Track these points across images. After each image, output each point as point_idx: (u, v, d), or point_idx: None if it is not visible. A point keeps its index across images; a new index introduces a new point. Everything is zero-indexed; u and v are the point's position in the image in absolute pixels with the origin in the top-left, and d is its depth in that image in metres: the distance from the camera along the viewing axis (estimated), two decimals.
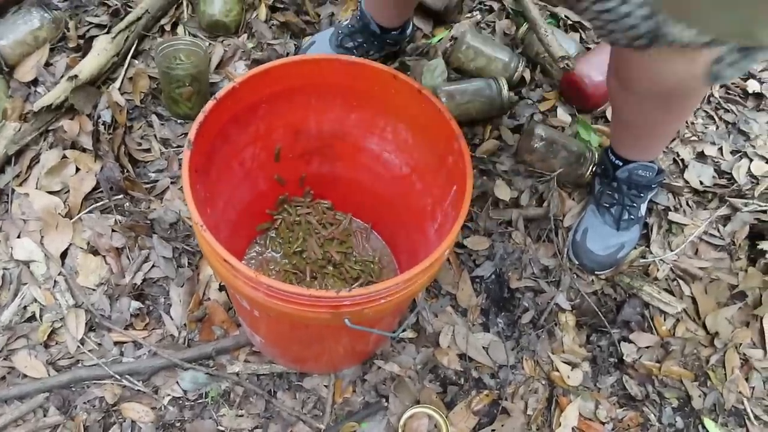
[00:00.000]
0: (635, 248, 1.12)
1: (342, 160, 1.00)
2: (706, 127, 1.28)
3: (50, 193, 1.10)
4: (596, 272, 1.11)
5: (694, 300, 1.09)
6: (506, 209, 1.14)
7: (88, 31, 1.26)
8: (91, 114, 1.16)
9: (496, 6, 1.38)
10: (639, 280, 1.10)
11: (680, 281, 1.11)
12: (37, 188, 1.10)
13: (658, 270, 1.11)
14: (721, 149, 1.25)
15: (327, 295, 0.67)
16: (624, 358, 1.04)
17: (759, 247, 1.11)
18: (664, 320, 1.07)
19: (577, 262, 1.11)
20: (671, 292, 1.09)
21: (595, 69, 1.21)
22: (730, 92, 1.34)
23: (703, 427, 1.01)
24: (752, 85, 1.35)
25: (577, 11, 0.68)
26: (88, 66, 1.17)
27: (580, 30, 1.37)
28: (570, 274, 1.10)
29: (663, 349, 1.05)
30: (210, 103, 0.80)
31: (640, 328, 1.07)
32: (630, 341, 1.06)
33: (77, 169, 1.12)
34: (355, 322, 0.71)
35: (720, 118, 1.30)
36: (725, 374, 1.04)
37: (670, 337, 1.06)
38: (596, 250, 1.09)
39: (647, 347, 1.05)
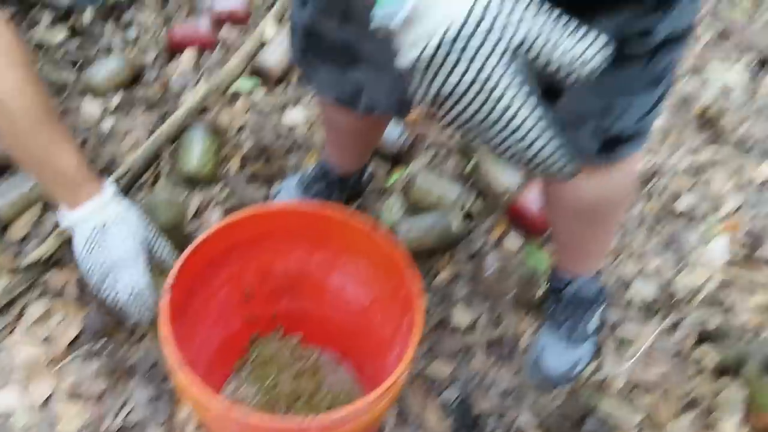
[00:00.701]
0: (591, 363, 1.19)
1: (308, 297, 1.09)
2: (645, 244, 1.40)
3: (35, 342, 1.16)
4: (555, 388, 1.16)
5: (650, 411, 1.14)
6: (466, 334, 1.21)
7: None
8: (77, 264, 1.25)
9: (445, 146, 1.54)
10: (597, 394, 1.15)
11: (636, 393, 1.16)
12: (22, 338, 1.16)
13: (613, 384, 1.17)
14: (661, 263, 1.36)
15: (291, 427, 0.73)
16: None
17: (706, 353, 1.18)
18: None
19: (537, 380, 1.16)
20: (628, 404, 1.14)
21: (537, 197, 1.34)
22: (664, 210, 1.48)
23: None
24: (683, 202, 1.49)
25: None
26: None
27: None
28: (532, 393, 1.15)
29: None
30: (188, 250, 0.89)
31: None
32: None
33: (62, 318, 1.19)
34: None
35: (657, 235, 1.42)
36: None
37: None
38: (554, 367, 1.15)
39: None
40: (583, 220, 1.02)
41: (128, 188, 1.37)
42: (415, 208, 1.37)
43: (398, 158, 1.47)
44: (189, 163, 1.39)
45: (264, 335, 1.13)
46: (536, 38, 0.47)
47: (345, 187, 1.33)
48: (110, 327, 1.17)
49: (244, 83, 1.60)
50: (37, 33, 1.69)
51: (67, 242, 1.24)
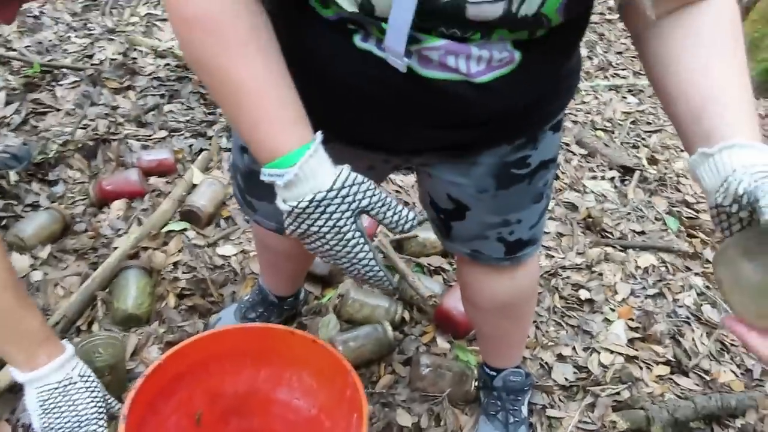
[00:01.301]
0: None
1: (257, 414, 1.12)
2: (558, 333, 1.56)
3: None
4: None
5: None
6: None
7: None
8: (9, 419, 1.21)
9: None
10: None
11: None
12: None
13: None
14: (574, 348, 1.51)
15: None
16: None
17: (617, 426, 1.30)
18: None
19: None
20: None
21: (459, 301, 1.47)
22: (569, 302, 1.66)
23: None
24: (583, 294, 1.68)
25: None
26: (7, 375, 1.26)
27: (441, 272, 1.68)
28: None
29: None
30: (139, 380, 0.93)
31: None
32: None
33: None
34: None
35: (567, 324, 1.59)
36: None
37: None
38: None
39: None
40: (500, 315, 1.16)
41: (64, 334, 1.38)
42: (349, 322, 1.47)
43: (329, 279, 1.58)
44: (125, 303, 1.43)
45: None
46: (376, 204, 0.70)
47: (282, 310, 1.41)
48: None
49: (175, 225, 1.69)
50: None
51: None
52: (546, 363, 1.46)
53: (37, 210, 1.72)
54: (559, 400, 1.38)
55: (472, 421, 1.31)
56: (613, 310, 1.65)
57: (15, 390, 1.26)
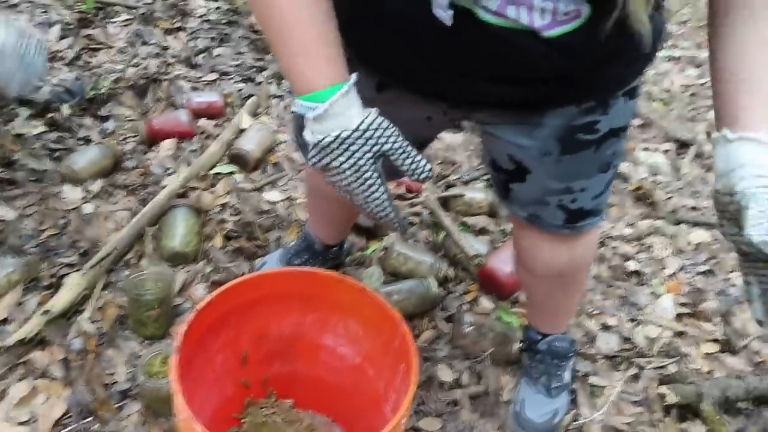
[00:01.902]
0: (568, 412, 1.26)
1: (301, 358, 1.13)
2: (603, 302, 1.52)
3: (19, 423, 1.13)
4: None
5: None
6: (451, 390, 1.27)
7: (59, 270, 1.40)
8: (61, 344, 1.25)
9: (416, 219, 1.66)
10: None
11: None
12: (6, 421, 1.13)
13: (590, 430, 1.24)
14: (620, 319, 1.48)
15: None
16: None
17: (666, 399, 1.28)
18: None
19: (520, 431, 1.22)
20: None
21: (504, 262, 1.46)
22: (616, 272, 1.62)
23: None
24: (631, 265, 1.64)
25: None
26: (60, 300, 1.29)
27: (487, 233, 1.65)
28: None
29: None
30: (191, 315, 0.94)
31: None
32: None
33: (47, 398, 1.17)
34: None
35: (613, 294, 1.55)
36: None
37: None
38: (534, 418, 1.22)
39: None
40: (553, 284, 1.13)
41: (114, 266, 1.40)
42: (393, 275, 1.46)
43: (374, 232, 1.57)
44: (173, 241, 1.44)
45: (257, 400, 1.15)
46: (396, 150, 0.72)
47: (326, 259, 1.41)
48: (96, 405, 1.17)
49: (223, 168, 1.69)
50: (15, 126, 1.75)
51: (50, 321, 1.25)
52: (590, 331, 1.43)
53: (88, 144, 1.74)
54: (602, 369, 1.36)
55: (512, 383, 1.30)
56: (661, 284, 1.60)
57: (67, 315, 1.29)
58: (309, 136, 0.70)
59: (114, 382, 1.22)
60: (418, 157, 0.73)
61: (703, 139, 2.22)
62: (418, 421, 1.20)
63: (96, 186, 1.61)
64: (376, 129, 0.70)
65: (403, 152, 0.72)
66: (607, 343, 1.41)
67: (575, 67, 0.76)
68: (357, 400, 1.10)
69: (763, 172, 0.63)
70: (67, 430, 1.13)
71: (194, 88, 2.02)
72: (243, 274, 1.43)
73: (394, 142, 0.71)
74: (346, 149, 0.69)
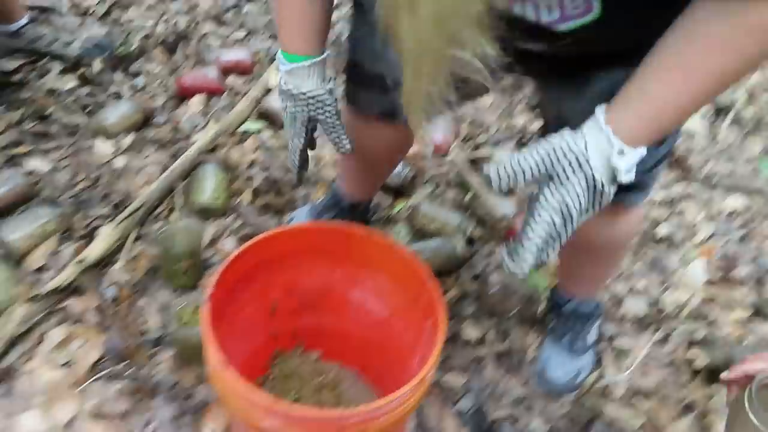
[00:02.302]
0: (592, 372, 1.26)
1: (329, 312, 1.15)
2: (632, 266, 1.51)
3: (56, 367, 1.17)
4: (562, 396, 1.22)
5: (651, 416, 1.21)
6: (476, 347, 1.28)
7: (92, 222, 1.43)
8: (96, 292, 1.28)
9: (444, 179, 1.65)
10: (600, 401, 1.22)
11: (636, 399, 1.24)
12: (43, 364, 1.18)
13: (615, 391, 1.24)
14: (648, 283, 1.46)
15: (334, 415, 0.78)
16: None
17: (695, 362, 1.27)
18: None
19: (544, 389, 1.23)
20: (630, 409, 1.21)
21: None
22: (647, 236, 1.60)
23: None
24: (662, 230, 1.61)
25: None
26: (94, 250, 1.32)
27: (514, 194, 1.63)
28: (541, 400, 1.21)
29: None
30: (222, 266, 0.95)
31: None
32: None
33: (82, 343, 1.21)
34: None
35: (642, 258, 1.53)
36: None
37: None
38: (557, 377, 1.22)
39: None
40: (589, 257, 1.10)
41: (145, 219, 1.43)
42: (420, 234, 1.46)
43: (400, 191, 1.56)
44: (202, 195, 1.46)
45: (285, 351, 1.17)
46: (326, 121, 0.95)
47: (354, 216, 1.41)
48: (131, 349, 1.20)
49: (252, 125, 1.70)
50: (48, 81, 1.77)
51: (85, 270, 1.28)
52: (618, 294, 1.42)
53: (119, 100, 1.75)
54: (629, 331, 1.35)
55: (537, 342, 1.31)
56: (692, 249, 1.58)
57: (101, 265, 1.32)
58: (280, 71, 0.93)
59: (147, 330, 1.25)
60: (343, 135, 0.96)
61: (740, 104, 2.15)
62: (442, 377, 1.22)
63: (127, 140, 1.62)
64: (317, 101, 0.92)
65: (331, 125, 0.95)
66: (635, 306, 1.40)
67: (601, 52, 0.73)
68: (384, 353, 1.11)
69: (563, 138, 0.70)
70: (102, 373, 1.17)
71: (223, 45, 2.01)
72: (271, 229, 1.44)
73: (327, 116, 0.93)
74: (291, 102, 0.93)
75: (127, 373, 1.18)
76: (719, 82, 0.64)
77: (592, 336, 1.27)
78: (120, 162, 1.57)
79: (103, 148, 1.60)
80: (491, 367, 1.25)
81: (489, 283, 1.33)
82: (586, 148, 0.68)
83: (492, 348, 1.28)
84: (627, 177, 0.69)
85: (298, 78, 0.91)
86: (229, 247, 1.40)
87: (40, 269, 1.33)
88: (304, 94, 0.91)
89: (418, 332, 1.02)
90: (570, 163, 0.69)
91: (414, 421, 1.15)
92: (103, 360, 1.19)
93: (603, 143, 0.68)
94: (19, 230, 1.35)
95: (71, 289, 1.27)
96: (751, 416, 0.73)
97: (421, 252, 1.38)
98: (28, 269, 1.33)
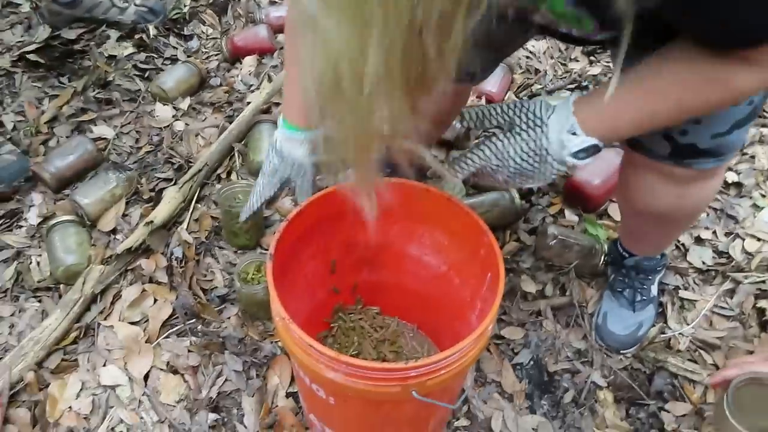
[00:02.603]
0: (654, 325, 1.24)
1: (387, 267, 1.16)
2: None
3: (132, 323, 1.25)
4: (621, 351, 1.21)
5: (717, 368, 1.19)
6: (534, 301, 1.28)
7: (157, 185, 1.49)
8: (164, 252, 1.34)
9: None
10: (663, 354, 1.20)
11: (701, 351, 1.21)
12: (120, 320, 1.25)
13: (679, 343, 1.22)
14: (715, 232, 1.41)
15: (397, 367, 0.80)
16: (664, 427, 1.12)
17: (765, 314, 1.23)
18: (694, 388, 1.16)
19: (603, 343, 1.22)
20: (695, 362, 1.19)
21: (591, 174, 1.41)
22: None
23: None
24: (731, 176, 1.54)
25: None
26: (161, 212, 1.37)
27: None
28: (600, 354, 1.21)
29: (698, 415, 1.13)
30: (283, 224, 0.97)
31: (673, 397, 1.15)
32: (667, 411, 1.14)
33: (155, 300, 1.28)
34: (421, 394, 0.83)
35: (710, 206, 1.47)
36: None
37: (702, 404, 1.14)
38: (617, 331, 1.21)
39: (683, 415, 1.13)
40: (654, 223, 1.04)
41: (206, 180, 1.47)
42: (475, 188, 1.45)
43: (455, 144, 1.54)
44: (259, 155, 1.48)
45: (345, 306, 1.20)
46: (299, 185, 1.08)
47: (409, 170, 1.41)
48: (199, 308, 1.26)
49: None
50: (107, 49, 1.82)
51: (154, 231, 1.34)
52: (683, 245, 1.38)
53: (175, 64, 1.78)
54: (694, 282, 1.31)
55: (597, 295, 1.29)
56: (763, 196, 1.50)
57: (167, 226, 1.38)
58: (275, 133, 1.04)
59: (213, 288, 1.31)
60: (309, 195, 1.01)
61: None
62: (500, 330, 1.22)
63: (185, 104, 1.66)
64: (302, 168, 1.03)
65: (304, 190, 1.06)
66: (701, 256, 1.36)
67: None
68: (442, 308, 1.13)
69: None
70: (174, 329, 1.24)
71: (272, 2, 2.00)
72: (327, 186, 1.46)
73: (303, 182, 1.05)
74: (279, 159, 1.03)
75: (196, 329, 1.24)
76: (675, 111, 0.72)
77: (654, 288, 1.24)
78: (179, 126, 1.61)
79: (162, 112, 1.64)
80: (549, 320, 1.25)
81: (547, 236, 1.31)
82: (548, 117, 0.77)
83: (550, 301, 1.27)
84: (571, 158, 0.77)
85: (292, 145, 1.00)
86: (287, 205, 1.43)
87: (112, 231, 1.40)
88: (293, 159, 1.01)
89: (477, 286, 1.02)
90: (528, 121, 0.79)
91: (472, 375, 1.17)
92: (174, 317, 1.26)
93: (563, 120, 0.76)
94: (90, 195, 1.42)
95: (142, 250, 1.33)
96: (728, 415, 0.88)
97: (478, 206, 1.37)
98: (100, 231, 1.40)
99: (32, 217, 1.43)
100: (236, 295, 1.28)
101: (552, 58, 1.87)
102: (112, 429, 1.11)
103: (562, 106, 0.77)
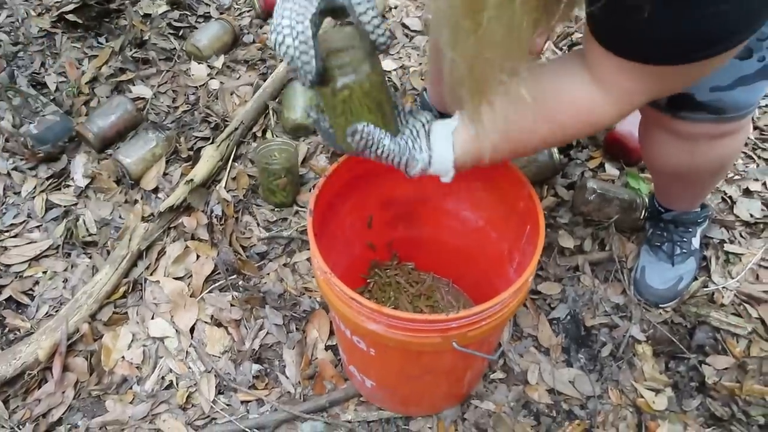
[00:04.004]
0: (696, 279, 1.22)
1: (424, 222, 1.16)
2: (746, 166, 1.40)
3: (176, 278, 1.29)
4: (660, 305, 1.20)
5: (762, 321, 1.16)
6: (572, 256, 1.27)
7: (195, 144, 1.51)
8: (204, 210, 1.37)
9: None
10: (705, 308, 1.18)
11: (746, 305, 1.19)
12: (165, 276, 1.29)
13: (722, 297, 1.20)
14: (764, 184, 1.36)
15: (438, 318, 0.81)
16: (705, 381, 1.11)
17: None
18: (737, 342, 1.15)
19: (642, 298, 1.21)
20: (739, 316, 1.17)
21: (633, 126, 1.36)
22: (764, 133, 1.47)
23: None
24: None
25: None
26: (200, 171, 1.40)
27: None
28: (639, 309, 1.20)
29: (741, 369, 1.12)
30: (321, 180, 0.98)
31: (714, 351, 1.14)
32: (707, 364, 1.13)
33: (197, 257, 1.31)
34: (461, 345, 0.84)
35: (758, 157, 1.42)
36: None
37: (745, 358, 1.13)
38: (656, 285, 1.19)
39: (725, 369, 1.12)
40: (675, 180, 1.03)
41: (242, 139, 1.48)
42: None
43: None
44: (294, 113, 1.49)
45: (382, 262, 1.21)
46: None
47: None
48: (240, 264, 1.29)
49: None
50: (141, 7, 1.82)
51: (194, 190, 1.37)
52: (730, 197, 1.34)
53: (208, 21, 1.78)
54: (740, 236, 1.28)
55: (637, 250, 1.27)
56: None
57: (206, 185, 1.40)
58: None
59: (252, 245, 1.34)
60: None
61: None
62: (537, 285, 1.22)
63: (219, 62, 1.66)
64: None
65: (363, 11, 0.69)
66: (748, 209, 1.32)
67: None
68: (479, 262, 1.13)
69: None
70: (216, 284, 1.27)
71: None
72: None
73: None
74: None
75: (238, 284, 1.27)
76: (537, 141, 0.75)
77: (695, 241, 1.22)
78: (214, 84, 1.62)
79: (198, 71, 1.65)
80: (587, 275, 1.24)
81: (586, 190, 1.29)
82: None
83: (588, 256, 1.26)
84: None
85: None
86: (322, 163, 1.44)
87: (155, 190, 1.43)
88: None
89: (515, 239, 1.01)
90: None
91: (509, 330, 1.17)
92: (216, 272, 1.29)
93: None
94: (132, 154, 1.45)
95: (183, 208, 1.37)
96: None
97: (516, 160, 1.34)
98: (142, 192, 1.43)
99: (78, 177, 1.47)
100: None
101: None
102: (163, 378, 1.17)
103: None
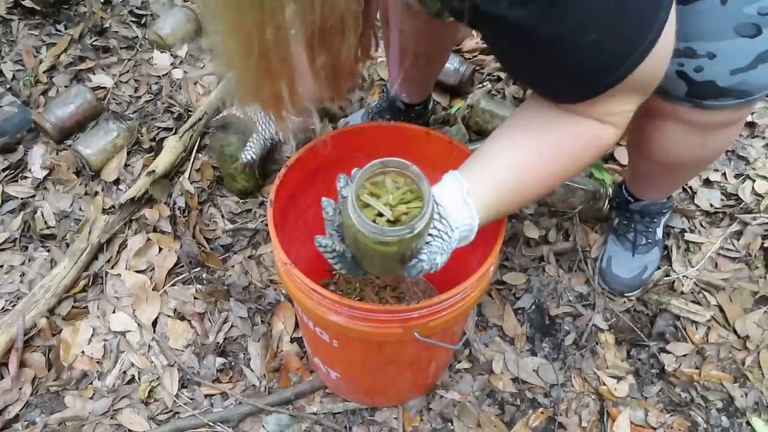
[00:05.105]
0: (659, 268, 1.23)
1: None
2: None
3: (138, 271, 1.26)
4: (625, 294, 1.21)
5: (720, 309, 1.19)
6: (537, 246, 1.27)
7: (157, 134, 1.48)
8: (167, 202, 1.34)
9: (503, 75, 1.58)
10: (666, 296, 1.20)
11: (705, 293, 1.21)
12: (126, 269, 1.27)
13: (682, 285, 1.22)
14: (724, 174, 1.39)
15: (399, 308, 0.81)
16: (665, 367, 1.13)
17: None
18: (696, 329, 1.17)
19: (607, 288, 1.22)
20: (698, 303, 1.19)
21: None
22: None
23: (749, 424, 1.08)
24: None
25: None
26: (162, 162, 1.37)
27: None
28: (603, 297, 1.21)
29: (699, 355, 1.14)
30: (282, 170, 0.97)
31: (674, 338, 1.16)
32: (667, 352, 1.15)
33: (160, 249, 1.29)
34: (422, 335, 0.84)
35: None
36: (762, 374, 1.12)
37: (704, 344, 1.15)
38: (621, 274, 1.21)
39: (684, 355, 1.14)
40: (667, 170, 1.01)
41: (206, 129, 1.46)
42: (478, 133, 1.42)
43: (457, 90, 1.51)
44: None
45: None
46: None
47: (409, 117, 1.39)
48: (203, 256, 1.27)
49: None
50: None
51: (156, 181, 1.34)
52: (690, 187, 1.36)
53: (171, 9, 1.74)
54: (701, 225, 1.30)
55: (602, 240, 1.28)
56: None
57: (169, 176, 1.38)
58: None
59: (216, 237, 1.32)
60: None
61: None
62: (502, 276, 1.23)
63: (182, 51, 1.63)
64: None
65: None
66: (708, 199, 1.34)
67: None
68: None
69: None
70: (180, 278, 1.25)
71: None
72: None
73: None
74: None
75: (201, 277, 1.25)
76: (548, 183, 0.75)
77: (659, 231, 1.23)
78: (178, 74, 1.59)
79: (161, 59, 1.62)
80: (552, 265, 1.25)
81: None
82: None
83: (553, 247, 1.27)
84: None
85: None
86: (288, 152, 1.42)
87: (116, 182, 1.40)
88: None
89: (479, 231, 1.01)
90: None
91: (474, 320, 1.18)
92: (179, 265, 1.27)
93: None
94: (92, 145, 1.41)
95: (145, 200, 1.34)
96: None
97: None
98: (103, 183, 1.40)
99: (36, 168, 1.43)
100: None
101: None
102: (124, 372, 1.14)
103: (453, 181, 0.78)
